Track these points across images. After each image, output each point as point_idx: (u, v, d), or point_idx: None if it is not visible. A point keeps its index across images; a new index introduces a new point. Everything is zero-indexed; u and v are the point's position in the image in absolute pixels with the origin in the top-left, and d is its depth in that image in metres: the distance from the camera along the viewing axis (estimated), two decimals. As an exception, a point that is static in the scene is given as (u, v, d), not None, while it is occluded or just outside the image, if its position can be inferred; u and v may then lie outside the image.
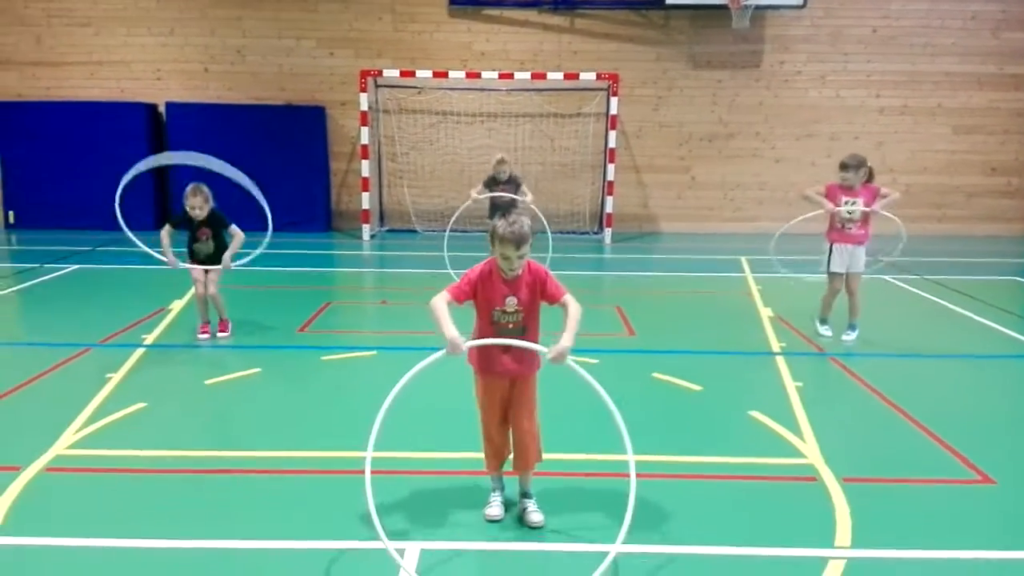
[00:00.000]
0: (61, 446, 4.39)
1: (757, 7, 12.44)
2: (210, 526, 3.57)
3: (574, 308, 3.39)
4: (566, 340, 3.24)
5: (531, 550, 3.41)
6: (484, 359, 3.50)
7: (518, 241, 3.31)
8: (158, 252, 6.54)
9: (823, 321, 6.93)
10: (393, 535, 3.43)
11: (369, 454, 3.12)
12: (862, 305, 6.85)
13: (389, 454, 4.16)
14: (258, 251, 6.94)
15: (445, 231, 8.65)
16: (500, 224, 3.34)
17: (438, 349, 3.27)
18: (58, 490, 3.91)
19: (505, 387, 3.55)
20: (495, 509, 3.64)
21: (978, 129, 13.75)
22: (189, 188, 6.41)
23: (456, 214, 8.71)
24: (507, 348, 3.44)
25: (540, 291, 3.45)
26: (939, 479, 4.19)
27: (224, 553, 3.37)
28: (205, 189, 6.40)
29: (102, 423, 4.74)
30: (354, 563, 3.29)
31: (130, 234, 6.67)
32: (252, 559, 3.33)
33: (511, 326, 3.46)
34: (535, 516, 3.57)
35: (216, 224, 6.52)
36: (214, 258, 6.57)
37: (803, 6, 12.70)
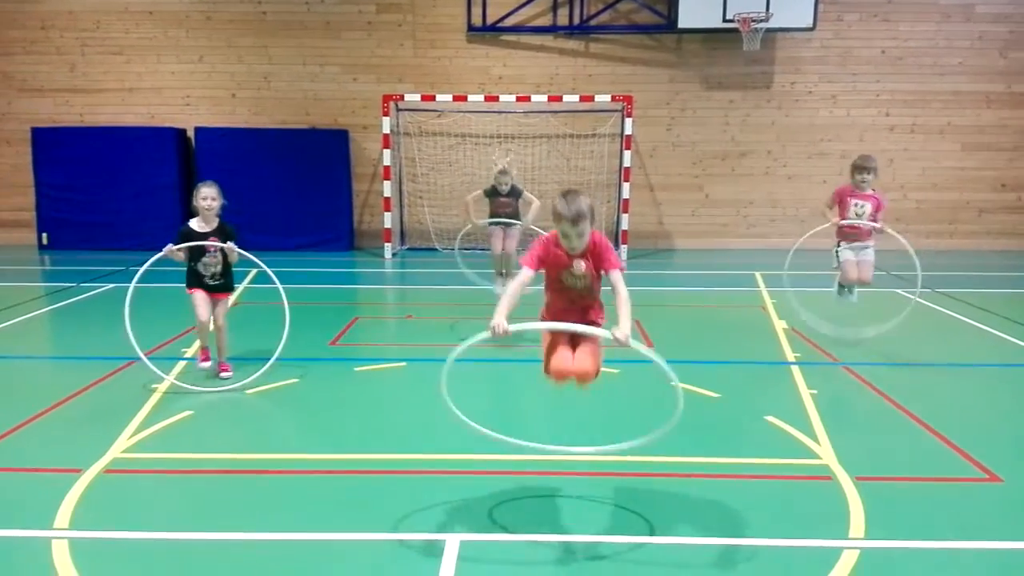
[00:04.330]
0: (117, 450, 4.67)
1: (767, 30, 12.73)
2: (258, 521, 3.84)
3: (624, 293, 3.61)
4: (624, 327, 3.46)
5: (570, 541, 3.65)
6: (552, 318, 3.75)
7: (574, 218, 3.55)
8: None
9: (849, 290, 7.07)
10: (433, 528, 3.71)
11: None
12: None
13: (426, 456, 4.44)
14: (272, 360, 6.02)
15: (454, 249, 8.23)
16: (558, 203, 3.59)
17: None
18: (117, 490, 4.19)
19: (573, 318, 3.72)
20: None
21: (987, 146, 13.96)
22: (202, 183, 6.04)
23: (460, 235, 8.27)
24: (571, 311, 3.71)
25: (600, 256, 3.69)
26: (948, 477, 4.41)
27: (270, 545, 3.65)
28: (217, 185, 6.00)
29: (153, 429, 5.03)
30: (394, 554, 3.56)
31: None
32: (295, 550, 3.61)
33: (580, 287, 3.73)
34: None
35: (225, 236, 5.99)
36: (223, 278, 6.05)
37: (813, 28, 12.99)
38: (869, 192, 6.69)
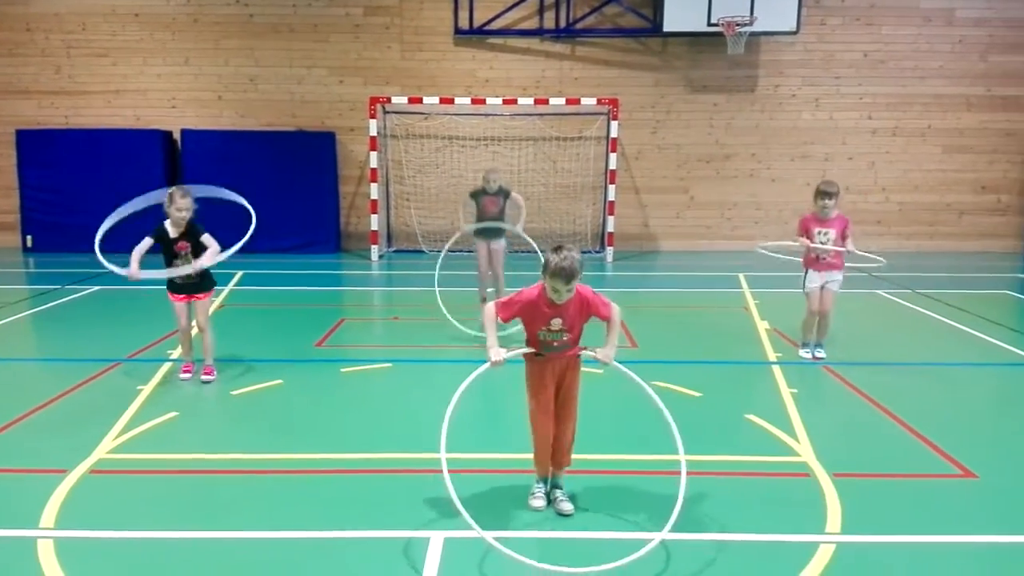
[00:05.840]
0: (102, 451, 4.69)
1: (751, 33, 12.86)
2: (243, 520, 3.87)
3: (616, 321, 3.83)
4: (609, 348, 3.78)
5: (552, 538, 3.71)
6: (535, 343, 3.82)
7: (568, 276, 3.53)
8: (122, 267, 5.93)
9: (804, 345, 7.08)
10: (418, 525, 3.76)
11: (443, 455, 3.48)
12: (832, 325, 6.98)
13: (411, 455, 4.48)
14: (241, 243, 6.23)
15: (440, 252, 8.00)
16: (552, 258, 3.53)
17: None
18: (103, 490, 4.21)
19: (555, 371, 3.84)
20: (539, 501, 3.98)
21: (968, 149, 14.15)
22: (175, 190, 5.91)
23: (449, 243, 7.72)
24: (552, 357, 3.81)
25: (588, 311, 3.77)
26: (924, 474, 4.50)
27: (255, 543, 3.68)
28: (192, 195, 5.93)
29: (138, 430, 5.05)
30: (379, 551, 3.60)
31: (102, 258, 6.32)
32: (279, 549, 3.64)
33: (555, 344, 3.76)
34: (566, 505, 3.93)
35: (195, 236, 5.93)
36: (197, 277, 6.03)
37: (796, 32, 13.13)
38: (832, 216, 6.71)
